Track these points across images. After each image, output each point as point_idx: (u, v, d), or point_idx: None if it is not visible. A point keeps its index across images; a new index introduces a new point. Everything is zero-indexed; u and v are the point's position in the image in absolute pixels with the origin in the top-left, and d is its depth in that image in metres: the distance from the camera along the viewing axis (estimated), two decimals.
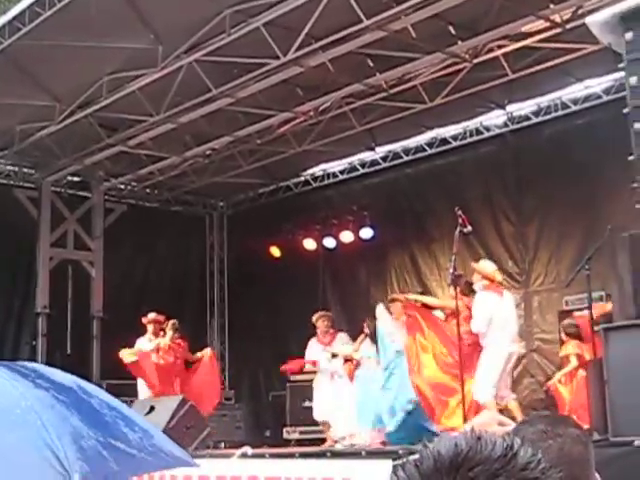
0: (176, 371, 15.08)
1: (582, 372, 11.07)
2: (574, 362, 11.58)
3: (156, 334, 15.09)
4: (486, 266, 11.99)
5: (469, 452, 1.29)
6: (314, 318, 14.42)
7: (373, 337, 12.95)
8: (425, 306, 12.60)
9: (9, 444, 2.50)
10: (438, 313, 12.52)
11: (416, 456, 1.33)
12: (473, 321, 11.48)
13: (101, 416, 1.46)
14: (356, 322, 15.06)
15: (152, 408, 12.77)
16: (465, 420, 10.57)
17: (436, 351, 11.88)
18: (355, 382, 13.40)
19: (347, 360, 14.44)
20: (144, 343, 15.06)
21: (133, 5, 11.80)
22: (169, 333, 15.07)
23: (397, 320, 12.59)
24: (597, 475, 2.57)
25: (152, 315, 15.25)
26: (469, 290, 11.93)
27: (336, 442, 13.47)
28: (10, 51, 12.64)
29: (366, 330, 13.31)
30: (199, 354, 15.42)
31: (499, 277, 12.03)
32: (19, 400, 1.71)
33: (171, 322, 15.19)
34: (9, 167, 18.04)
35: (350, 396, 13.45)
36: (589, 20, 9.36)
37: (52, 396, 1.42)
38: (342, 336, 14.31)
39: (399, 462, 8.74)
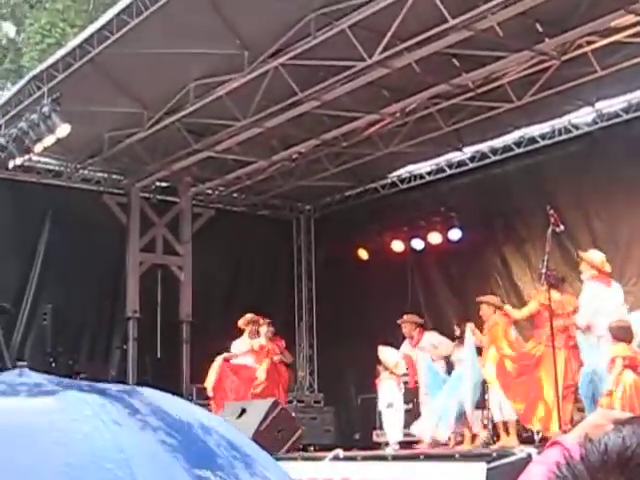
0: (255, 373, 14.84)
1: (631, 375, 10.32)
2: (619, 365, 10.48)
3: (252, 336, 15.06)
4: (595, 256, 11.72)
5: (637, 447, 1.29)
6: (399, 321, 14.43)
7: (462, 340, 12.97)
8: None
9: None
10: None
11: (580, 451, 1.32)
12: (579, 313, 11.29)
13: (214, 457, 1.29)
14: (445, 324, 14.98)
15: (243, 410, 12.81)
16: (560, 425, 10.42)
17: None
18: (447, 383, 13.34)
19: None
20: (240, 346, 15.03)
21: (219, 11, 11.92)
22: (262, 330, 15.00)
23: (486, 322, 12.53)
24: None
25: (249, 316, 15.24)
26: (563, 283, 11.87)
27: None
28: (99, 59, 12.86)
29: (457, 334, 13.31)
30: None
31: (608, 267, 11.67)
32: (113, 452, 1.34)
33: (262, 321, 15.13)
34: (98, 174, 18.31)
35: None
36: None
37: (158, 440, 1.26)
38: (428, 336, 14.17)
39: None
